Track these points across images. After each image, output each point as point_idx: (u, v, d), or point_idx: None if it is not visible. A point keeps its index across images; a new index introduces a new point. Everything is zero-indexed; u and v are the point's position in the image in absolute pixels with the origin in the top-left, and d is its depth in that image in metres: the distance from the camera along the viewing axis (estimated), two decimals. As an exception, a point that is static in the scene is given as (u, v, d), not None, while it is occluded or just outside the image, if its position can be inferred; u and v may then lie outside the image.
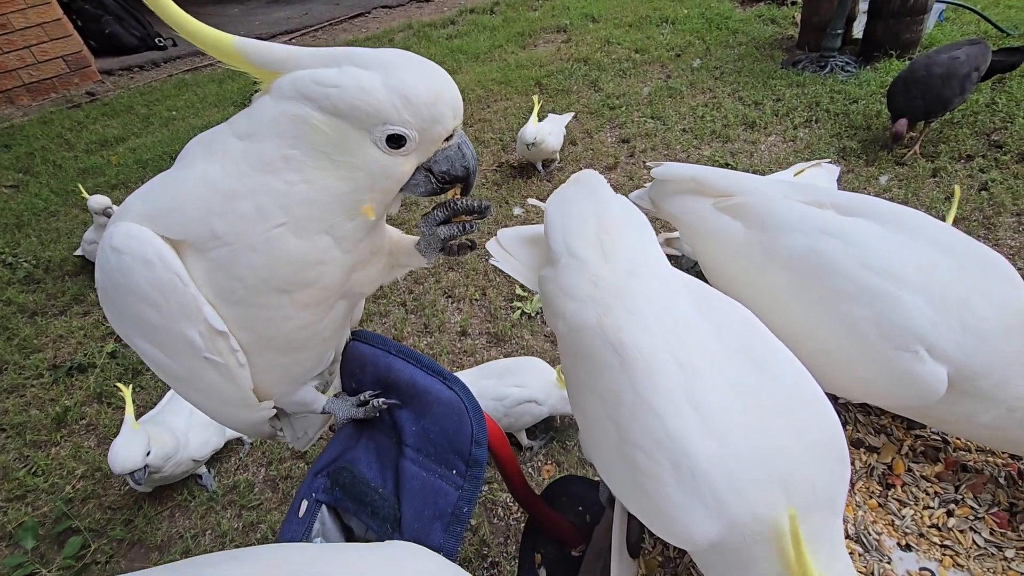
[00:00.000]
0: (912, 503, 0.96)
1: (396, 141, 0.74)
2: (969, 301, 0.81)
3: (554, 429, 2.51)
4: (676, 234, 1.46)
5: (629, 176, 3.83)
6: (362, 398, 1.03)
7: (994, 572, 0.85)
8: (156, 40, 7.47)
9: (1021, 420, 0.81)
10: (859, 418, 1.10)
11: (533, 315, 2.98)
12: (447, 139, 0.80)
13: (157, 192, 0.77)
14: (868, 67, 4.39)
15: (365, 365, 1.05)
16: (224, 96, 6.00)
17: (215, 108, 5.79)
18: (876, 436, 1.07)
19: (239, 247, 0.74)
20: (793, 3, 5.73)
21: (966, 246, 0.87)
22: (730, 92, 4.50)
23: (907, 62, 4.06)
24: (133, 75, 7.04)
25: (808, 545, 0.60)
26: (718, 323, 0.78)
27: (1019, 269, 0.85)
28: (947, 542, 0.90)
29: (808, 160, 2.57)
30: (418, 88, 0.72)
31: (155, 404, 2.53)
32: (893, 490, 0.98)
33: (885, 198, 1.21)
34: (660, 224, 3.25)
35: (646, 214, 1.02)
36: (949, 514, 0.94)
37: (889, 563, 0.87)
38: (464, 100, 0.80)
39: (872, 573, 0.86)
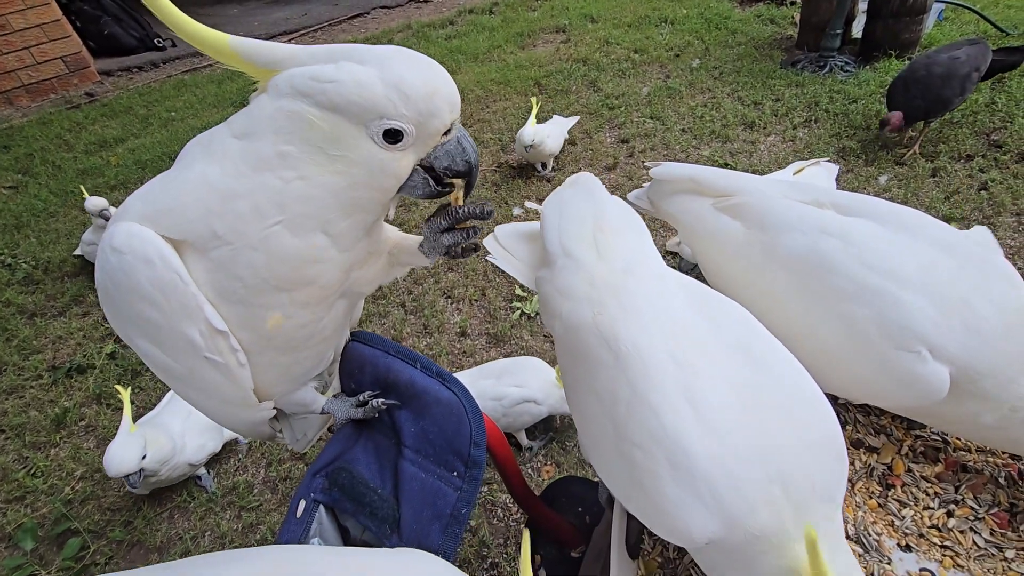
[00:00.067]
0: (912, 503, 0.96)
1: (393, 136, 0.74)
2: (970, 301, 0.81)
3: (554, 430, 2.50)
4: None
5: (628, 176, 3.83)
6: (361, 398, 1.03)
7: (994, 573, 0.85)
8: (155, 41, 7.47)
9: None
10: (859, 418, 1.10)
11: (532, 315, 2.98)
12: (445, 135, 0.80)
13: (157, 193, 0.77)
14: (867, 67, 4.39)
15: (364, 365, 1.06)
16: (223, 97, 6.00)
17: (214, 109, 5.79)
18: (876, 436, 1.06)
19: (239, 247, 0.74)
20: (792, 3, 5.73)
21: (966, 246, 0.87)
22: (729, 92, 4.50)
23: (906, 62, 4.06)
24: (132, 76, 7.04)
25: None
26: (716, 322, 0.78)
27: (1019, 269, 0.85)
28: (947, 543, 0.90)
29: (807, 160, 2.57)
30: (414, 82, 0.72)
31: (154, 405, 2.52)
32: (893, 490, 0.98)
33: (885, 198, 1.21)
34: (660, 224, 3.27)
35: (645, 214, 1.02)
36: (949, 514, 0.94)
37: (889, 564, 0.87)
38: (463, 101, 0.80)
39: (872, 574, 0.86)
